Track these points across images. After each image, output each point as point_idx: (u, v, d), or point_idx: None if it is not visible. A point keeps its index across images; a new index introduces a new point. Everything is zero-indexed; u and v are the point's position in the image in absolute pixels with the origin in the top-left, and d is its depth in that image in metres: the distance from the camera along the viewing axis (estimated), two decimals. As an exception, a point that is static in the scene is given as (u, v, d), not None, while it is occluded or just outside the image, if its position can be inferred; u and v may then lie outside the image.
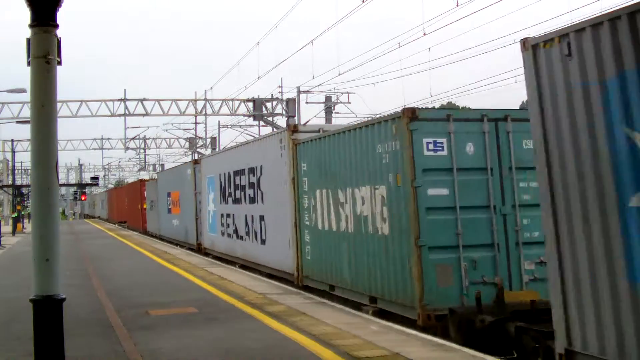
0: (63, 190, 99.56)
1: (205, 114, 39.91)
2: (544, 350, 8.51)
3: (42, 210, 5.90)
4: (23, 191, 53.33)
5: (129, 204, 53.64)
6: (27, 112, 34.75)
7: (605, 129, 6.30)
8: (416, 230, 10.51)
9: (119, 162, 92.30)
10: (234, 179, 21.10)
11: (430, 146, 10.68)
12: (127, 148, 53.39)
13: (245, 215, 19.83)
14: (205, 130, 50.98)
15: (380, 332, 9.71)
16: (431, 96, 52.55)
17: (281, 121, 37.90)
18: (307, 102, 37.62)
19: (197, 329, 10.17)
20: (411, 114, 10.62)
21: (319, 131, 15.78)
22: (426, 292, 10.38)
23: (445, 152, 10.77)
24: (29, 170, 21.91)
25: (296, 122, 35.77)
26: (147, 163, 75.87)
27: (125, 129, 47.22)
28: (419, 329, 10.18)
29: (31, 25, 5.93)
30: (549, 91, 7.03)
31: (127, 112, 37.92)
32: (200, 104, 39.14)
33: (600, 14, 6.67)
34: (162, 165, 74.37)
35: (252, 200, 19.04)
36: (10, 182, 55.28)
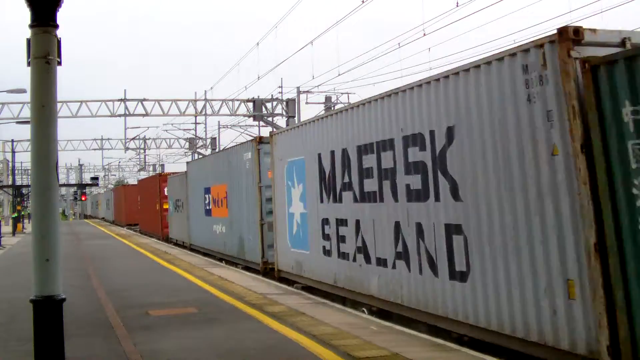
0: (63, 190, 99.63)
1: (205, 114, 39.92)
2: None
3: (42, 210, 5.90)
4: (23, 191, 53.34)
5: (143, 203, 45.03)
6: (27, 113, 34.77)
7: None
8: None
9: (119, 162, 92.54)
10: (360, 160, 12.29)
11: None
12: (127, 148, 53.36)
13: (397, 224, 11.03)
14: (205, 131, 51.06)
15: (380, 332, 9.71)
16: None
17: (281, 121, 37.96)
18: (307, 102, 37.74)
19: (197, 329, 10.16)
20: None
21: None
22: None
23: None
24: (29, 170, 21.86)
25: (296, 122, 35.83)
26: (147, 163, 75.95)
27: (125, 129, 47.30)
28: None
29: (31, 26, 5.93)
30: None
31: (127, 113, 37.92)
32: (200, 104, 39.17)
33: None
34: (162, 165, 74.45)
35: (422, 194, 10.30)
36: (10, 183, 55.28)
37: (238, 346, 8.98)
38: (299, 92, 37.09)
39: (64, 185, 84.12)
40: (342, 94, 37.83)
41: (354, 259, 12.53)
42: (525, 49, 8.01)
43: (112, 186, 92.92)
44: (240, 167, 20.15)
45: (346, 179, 12.85)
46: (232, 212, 21.38)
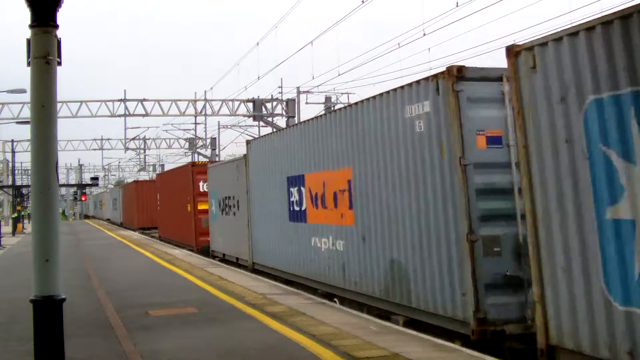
0: (63, 190, 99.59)
1: (205, 115, 39.96)
2: None
3: (42, 210, 5.90)
4: (23, 191, 53.37)
5: (166, 203, 34.99)
6: (27, 113, 34.77)
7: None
8: None
9: (119, 162, 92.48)
10: None
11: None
12: (127, 148, 53.46)
13: None
14: (205, 131, 51.08)
15: (380, 332, 9.71)
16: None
17: (281, 121, 37.97)
18: (307, 103, 37.76)
19: (197, 329, 10.17)
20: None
21: None
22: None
23: None
24: (29, 171, 21.79)
25: (296, 123, 35.83)
26: (147, 163, 75.99)
27: (125, 129, 47.35)
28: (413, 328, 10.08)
29: (31, 26, 5.93)
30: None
31: (127, 113, 37.96)
32: (200, 105, 39.20)
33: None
34: (162, 165, 74.47)
35: None
36: (10, 183, 55.31)
37: (238, 346, 8.98)
38: (298, 92, 37.11)
39: (64, 185, 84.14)
40: (342, 94, 37.87)
41: None
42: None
43: (112, 186, 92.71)
44: (393, 134, 11.16)
45: None
46: (365, 216, 12.23)
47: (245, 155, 19.74)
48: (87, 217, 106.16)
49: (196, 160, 50.95)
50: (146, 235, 40.54)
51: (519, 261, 9.10)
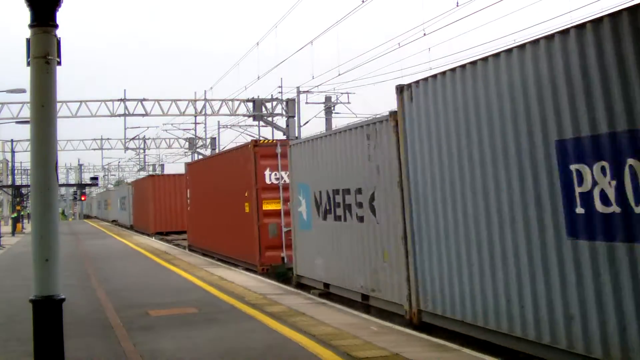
0: (63, 190, 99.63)
1: (205, 114, 39.94)
2: None
3: (41, 210, 5.90)
4: (23, 191, 53.35)
5: (204, 201, 25.93)
6: (27, 112, 34.75)
7: None
8: None
9: (119, 162, 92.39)
10: None
11: None
12: (126, 148, 53.41)
13: None
14: (205, 131, 51.05)
15: (380, 332, 9.71)
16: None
17: (281, 121, 37.96)
18: (307, 102, 37.67)
19: (197, 329, 10.16)
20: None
21: None
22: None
23: None
24: (29, 171, 21.71)
25: (297, 123, 35.84)
26: (146, 163, 75.97)
27: (125, 129, 47.24)
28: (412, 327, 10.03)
29: (31, 26, 5.93)
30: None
31: (126, 112, 37.95)
32: (200, 104, 39.19)
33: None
34: (162, 165, 74.52)
35: None
36: (10, 183, 55.32)
37: (238, 346, 8.97)
38: (298, 92, 37.07)
39: (63, 185, 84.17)
40: (342, 93, 37.81)
41: None
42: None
43: (112, 186, 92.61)
44: None
45: None
46: None
47: (393, 114, 11.22)
48: (87, 217, 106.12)
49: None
50: (166, 241, 33.14)
51: None
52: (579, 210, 7.32)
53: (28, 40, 5.94)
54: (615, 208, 6.89)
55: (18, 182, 62.55)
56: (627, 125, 6.80)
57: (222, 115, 39.65)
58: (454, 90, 9.62)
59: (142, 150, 63.37)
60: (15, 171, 59.96)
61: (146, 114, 38.09)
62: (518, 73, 8.26)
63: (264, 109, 37.84)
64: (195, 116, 43.06)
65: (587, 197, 7.23)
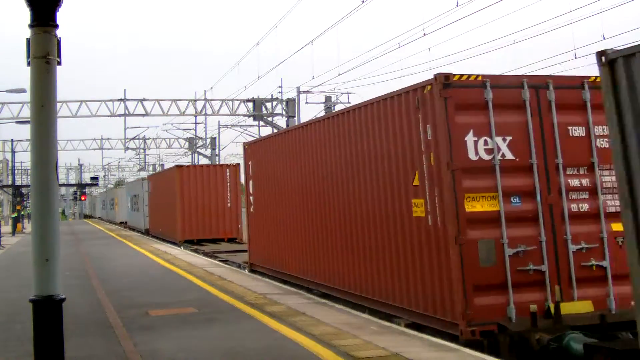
0: (63, 190, 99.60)
1: (205, 114, 39.93)
2: None
3: (42, 210, 5.89)
4: (23, 191, 53.35)
5: (293, 198, 15.84)
6: (27, 112, 34.76)
7: None
8: None
9: (119, 162, 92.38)
10: None
11: None
12: (126, 148, 53.41)
13: None
14: (205, 131, 51.09)
15: (380, 332, 9.71)
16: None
17: (281, 121, 37.96)
18: (307, 102, 37.71)
19: (197, 329, 10.16)
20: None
21: None
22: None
23: None
24: (29, 170, 21.73)
25: (297, 123, 35.81)
26: (147, 163, 75.99)
27: (125, 129, 47.24)
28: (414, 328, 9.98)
29: (31, 26, 5.92)
30: None
31: (126, 112, 37.93)
32: (200, 104, 39.17)
33: None
34: (162, 165, 74.50)
35: None
36: (10, 182, 55.32)
37: (238, 346, 8.97)
38: (299, 92, 37.08)
39: (63, 185, 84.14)
40: (342, 93, 37.82)
41: None
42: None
43: (112, 186, 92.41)
44: None
45: None
46: None
47: None
48: (87, 216, 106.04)
49: (195, 161, 50.54)
50: (205, 254, 24.74)
51: None
52: None
53: (28, 40, 5.94)
54: None
55: (18, 182, 62.58)
56: None
57: (222, 115, 39.68)
58: None
59: (142, 150, 63.41)
60: (16, 171, 60.01)
61: (146, 114, 38.07)
62: None
63: (264, 109, 37.83)
64: (195, 116, 43.09)
65: None
